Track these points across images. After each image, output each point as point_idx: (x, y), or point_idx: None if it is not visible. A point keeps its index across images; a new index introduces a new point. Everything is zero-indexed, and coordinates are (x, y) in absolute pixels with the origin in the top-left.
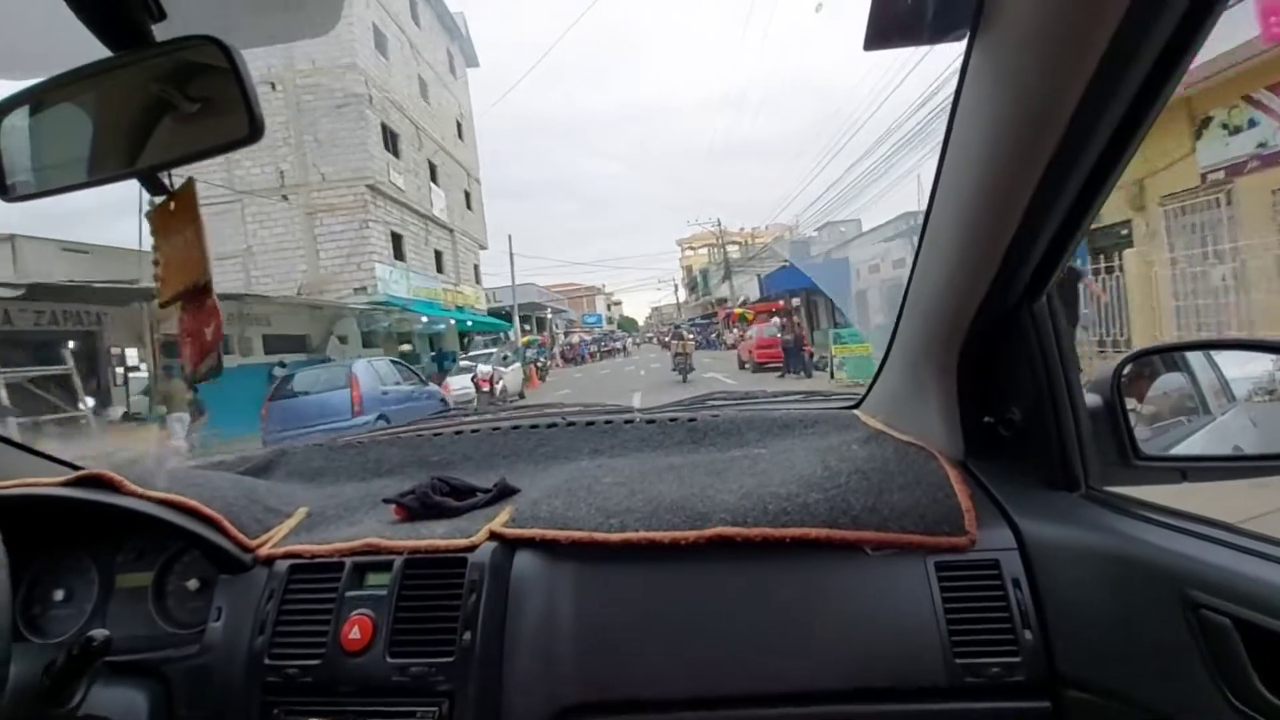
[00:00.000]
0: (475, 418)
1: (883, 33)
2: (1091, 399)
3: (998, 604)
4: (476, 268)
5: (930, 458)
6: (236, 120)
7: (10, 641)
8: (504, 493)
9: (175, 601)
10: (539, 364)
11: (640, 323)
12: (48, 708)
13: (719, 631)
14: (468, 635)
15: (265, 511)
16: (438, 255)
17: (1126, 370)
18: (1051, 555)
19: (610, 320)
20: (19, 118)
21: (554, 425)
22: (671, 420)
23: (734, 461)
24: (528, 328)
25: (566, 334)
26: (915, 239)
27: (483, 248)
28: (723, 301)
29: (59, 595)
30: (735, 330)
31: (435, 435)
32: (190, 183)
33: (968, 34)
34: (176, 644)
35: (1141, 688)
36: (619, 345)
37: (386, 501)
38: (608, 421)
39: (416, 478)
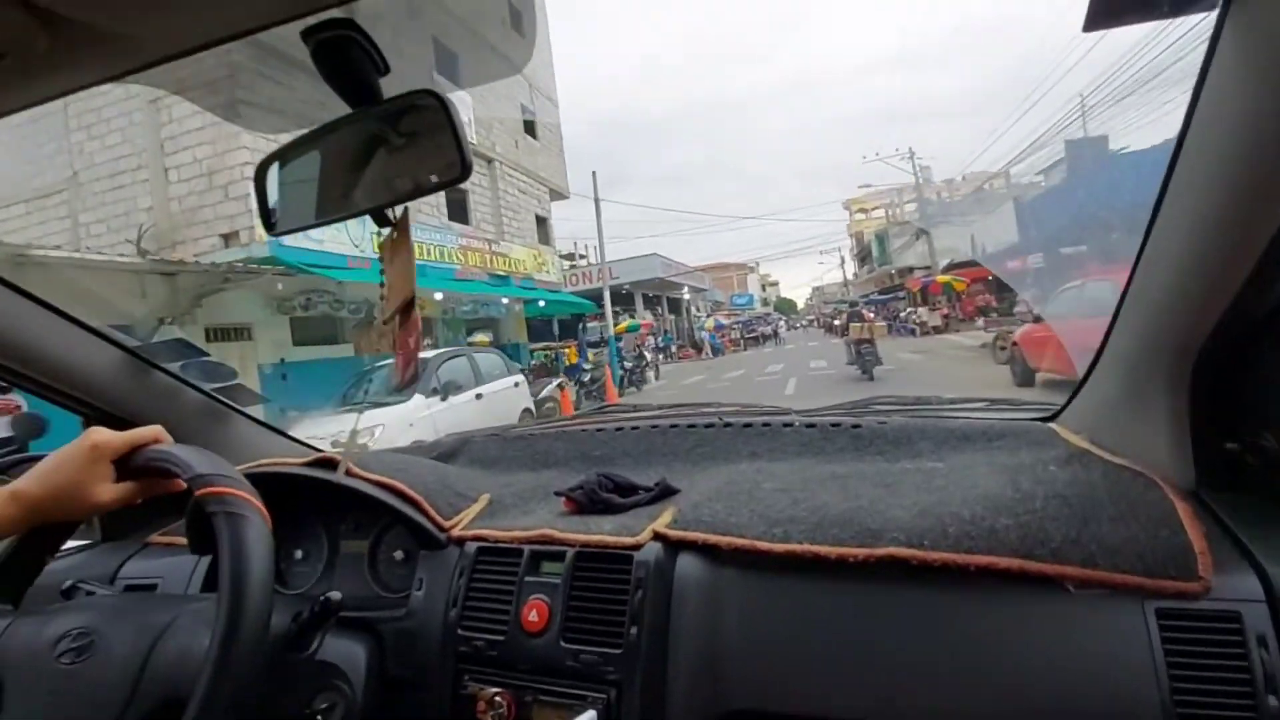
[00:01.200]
0: (635, 415)
1: (1111, 8)
2: None
3: (1235, 663)
4: (544, 223)
5: (1151, 486)
6: (449, 161)
7: (271, 601)
8: (665, 492)
9: (385, 568)
10: (635, 364)
11: (800, 305)
12: (293, 651)
13: (888, 658)
14: (634, 630)
15: (456, 496)
16: (454, 198)
17: None
18: None
19: (765, 302)
20: (277, 169)
21: (711, 425)
22: (834, 425)
23: (905, 474)
24: (658, 310)
25: (710, 316)
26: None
27: (560, 196)
28: (909, 271)
29: (298, 555)
30: (937, 307)
31: (598, 430)
32: (406, 211)
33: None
34: (386, 606)
35: None
36: (768, 330)
37: (557, 494)
38: (766, 424)
39: (580, 471)
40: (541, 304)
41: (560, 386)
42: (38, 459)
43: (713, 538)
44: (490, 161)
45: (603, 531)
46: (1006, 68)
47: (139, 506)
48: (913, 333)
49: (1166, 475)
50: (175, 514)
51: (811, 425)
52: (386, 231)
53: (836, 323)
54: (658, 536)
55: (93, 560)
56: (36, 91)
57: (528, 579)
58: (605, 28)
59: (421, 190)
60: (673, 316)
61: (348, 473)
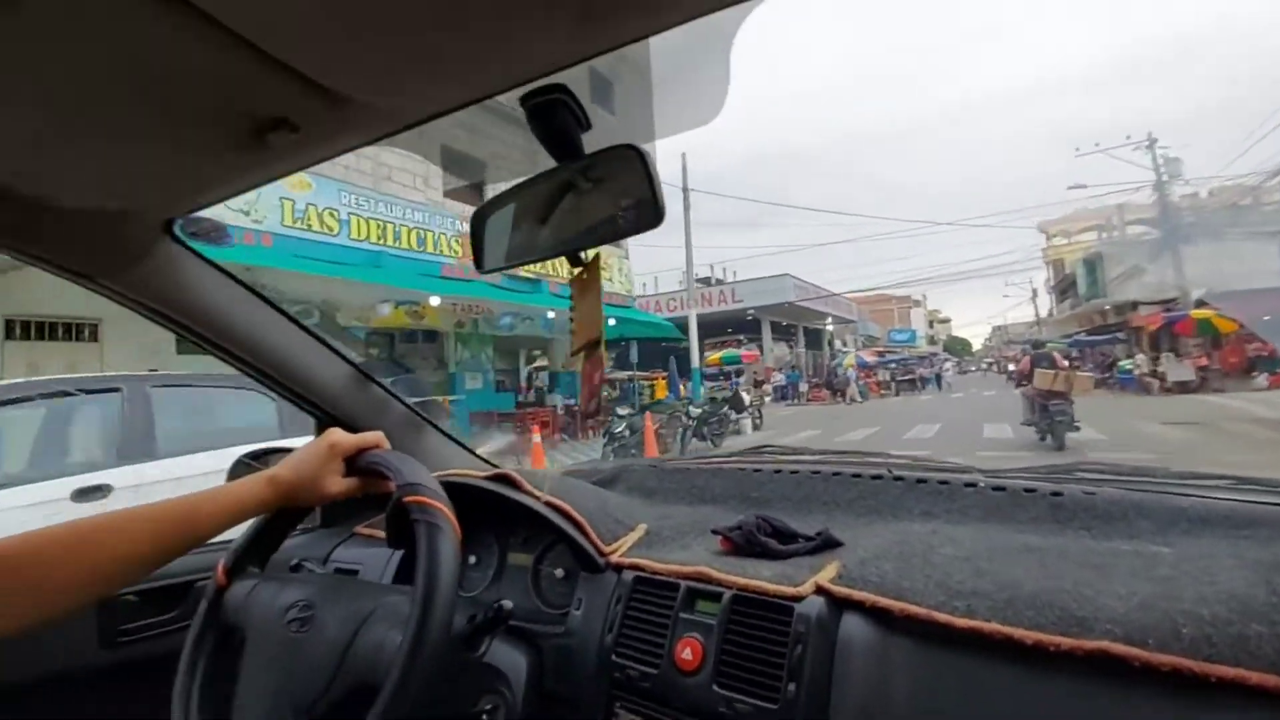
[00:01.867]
0: (796, 458)
1: None
2: None
3: None
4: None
5: None
6: (644, 208)
7: (456, 604)
8: (827, 544)
9: (547, 584)
10: (712, 410)
11: (977, 345)
12: (466, 651)
13: None
14: (792, 687)
15: (615, 523)
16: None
17: None
18: None
19: (933, 340)
20: (488, 217)
21: (879, 477)
22: (1028, 490)
23: (1119, 556)
24: (791, 342)
25: (852, 352)
26: None
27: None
28: (1131, 307)
29: (472, 560)
30: (1185, 354)
31: (756, 471)
32: (598, 254)
33: None
34: (547, 620)
35: None
36: (929, 372)
37: (715, 532)
38: (943, 481)
39: (737, 510)
40: (611, 322)
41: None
42: (286, 451)
43: (884, 601)
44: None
45: (761, 577)
46: (1237, 77)
47: (353, 500)
48: (1145, 389)
49: None
50: (377, 509)
51: (1000, 488)
52: (578, 270)
53: (1013, 367)
54: (821, 590)
55: (312, 543)
56: (315, 155)
57: (683, 615)
58: (765, 55)
59: (617, 235)
60: (812, 351)
61: (521, 489)
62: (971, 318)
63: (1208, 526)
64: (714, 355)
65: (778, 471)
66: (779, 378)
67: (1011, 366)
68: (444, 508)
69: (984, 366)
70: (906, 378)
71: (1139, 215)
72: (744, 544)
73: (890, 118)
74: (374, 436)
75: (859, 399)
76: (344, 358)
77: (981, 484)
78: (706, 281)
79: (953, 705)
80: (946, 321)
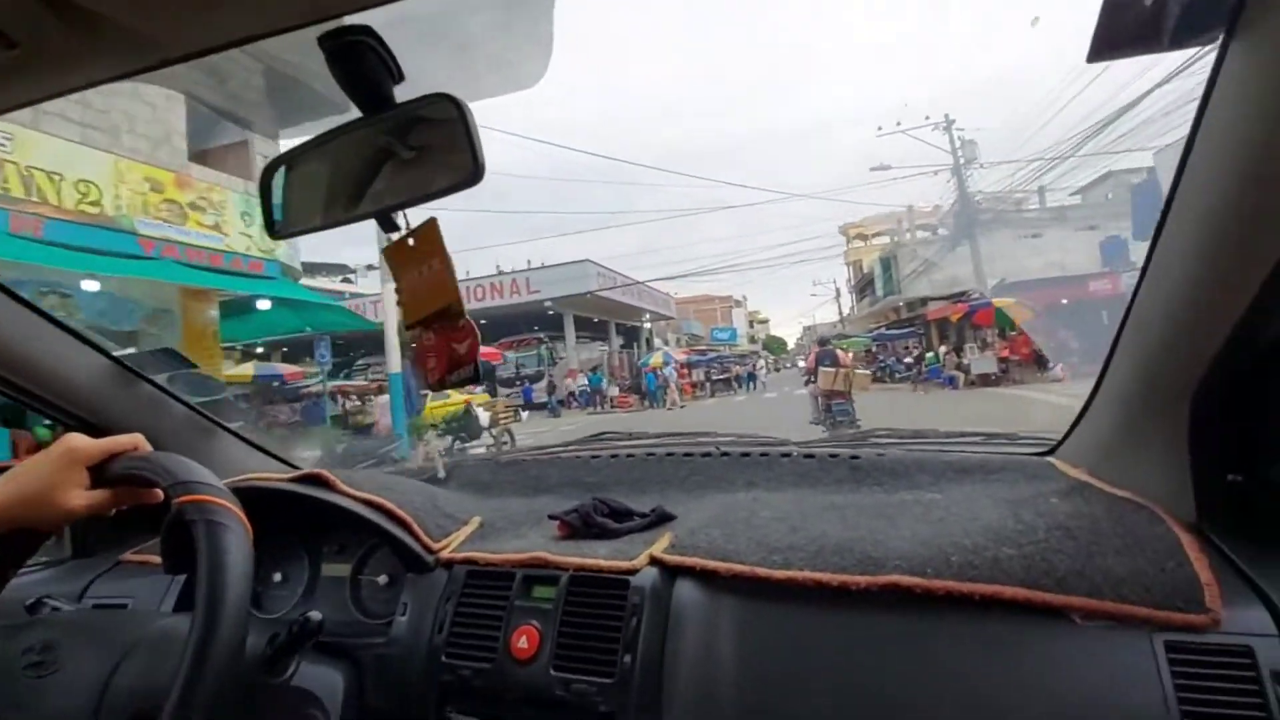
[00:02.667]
0: (630, 443)
1: (1113, 41)
2: None
3: (1250, 700)
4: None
5: (1155, 519)
6: (462, 165)
7: (248, 619)
8: (661, 519)
9: (368, 593)
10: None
11: (791, 344)
12: (267, 675)
13: (890, 691)
14: (628, 658)
15: (445, 518)
16: None
17: None
18: None
19: (753, 339)
20: (286, 171)
21: (708, 455)
22: (832, 456)
23: (904, 506)
24: (602, 339)
25: (660, 350)
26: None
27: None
28: (921, 303)
29: (277, 578)
30: (988, 343)
31: (592, 458)
32: (433, 221)
33: (1221, 35)
34: (368, 633)
35: None
36: (744, 370)
37: (552, 518)
38: (763, 454)
39: (574, 497)
40: (263, 305)
41: None
42: (5, 468)
43: (711, 563)
44: None
45: (598, 556)
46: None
47: (113, 523)
48: (951, 382)
49: (1167, 508)
50: (151, 533)
51: (809, 456)
52: (397, 236)
53: (801, 363)
54: (654, 561)
55: (61, 576)
56: (49, 86)
57: (518, 604)
58: (618, 58)
59: (431, 194)
60: (630, 351)
61: (336, 489)
62: (787, 316)
63: (969, 475)
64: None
65: (614, 457)
66: (581, 380)
67: (800, 363)
68: (229, 505)
69: (794, 365)
70: (722, 377)
71: (923, 221)
72: (581, 526)
73: (714, 136)
74: (127, 439)
75: (679, 403)
76: (99, 349)
77: (795, 454)
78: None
79: (773, 651)
80: (765, 322)
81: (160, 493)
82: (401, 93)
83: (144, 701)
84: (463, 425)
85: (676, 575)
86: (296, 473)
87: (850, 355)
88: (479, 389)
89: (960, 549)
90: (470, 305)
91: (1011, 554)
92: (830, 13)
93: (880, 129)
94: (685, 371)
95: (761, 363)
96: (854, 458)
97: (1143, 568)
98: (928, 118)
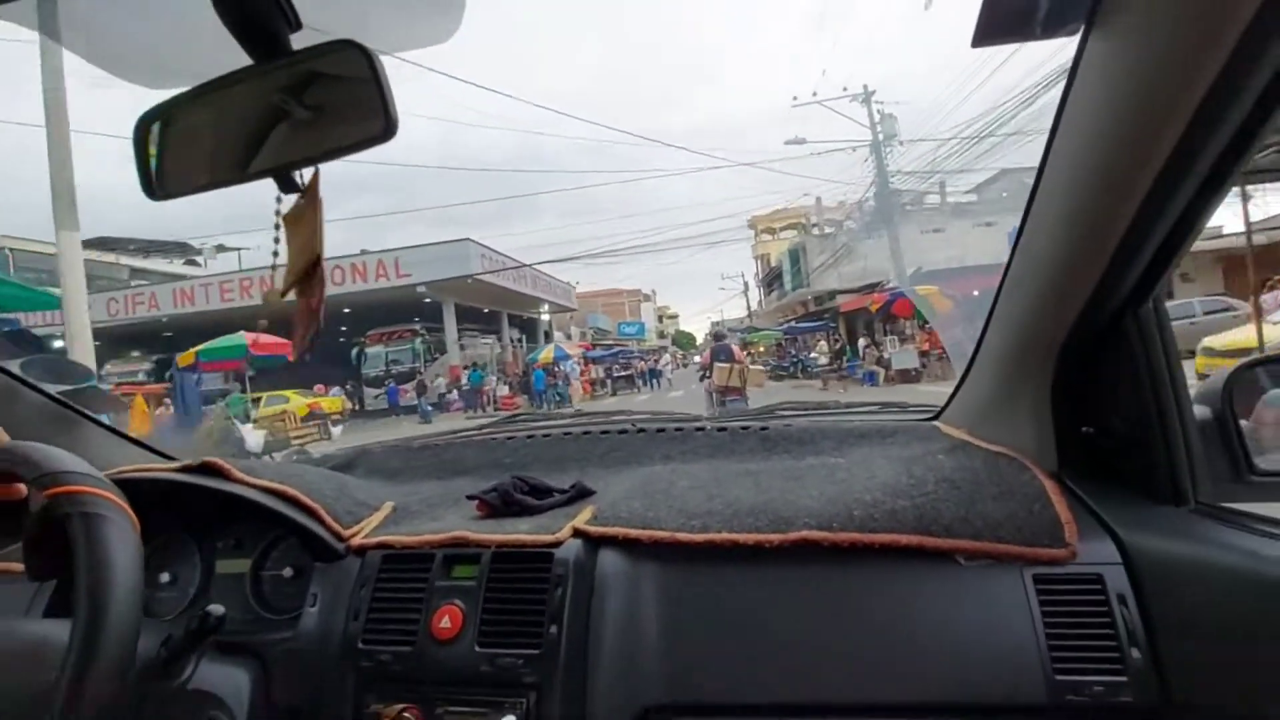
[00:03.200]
0: (546, 423)
1: (993, 28)
2: (1200, 411)
3: (1101, 620)
4: None
5: (1023, 468)
6: (371, 120)
7: (140, 617)
8: (581, 494)
9: (271, 588)
10: None
11: (699, 339)
12: (162, 680)
13: (804, 638)
14: (554, 629)
15: (356, 504)
16: None
17: (1236, 382)
18: (1162, 571)
19: (662, 334)
20: (165, 124)
21: (624, 432)
22: (743, 428)
23: (811, 469)
24: (494, 333)
25: (552, 344)
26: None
27: None
28: (829, 296)
29: (165, 578)
30: (908, 336)
31: (509, 439)
32: (317, 174)
33: (1082, 27)
34: (273, 628)
35: (1267, 713)
36: (647, 366)
37: (470, 498)
38: (678, 429)
39: (491, 478)
40: None
41: None
42: None
43: (633, 532)
44: None
45: (519, 531)
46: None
47: None
48: (871, 379)
49: (1034, 459)
50: (7, 536)
51: (722, 429)
52: (292, 198)
53: (698, 359)
54: (578, 533)
55: None
56: None
57: (439, 584)
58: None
59: (336, 151)
60: (524, 346)
61: (232, 478)
62: (697, 310)
63: (867, 439)
64: (186, 355)
65: (530, 437)
66: (463, 379)
67: (697, 359)
68: (110, 495)
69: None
70: (624, 374)
71: (831, 216)
72: (501, 505)
73: (638, 128)
74: None
75: (573, 405)
76: None
77: (708, 428)
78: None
79: (694, 611)
80: (675, 317)
81: (21, 488)
82: (300, 42)
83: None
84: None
85: (599, 546)
86: (182, 463)
87: (759, 348)
88: (333, 390)
89: (862, 504)
90: (328, 291)
91: (905, 505)
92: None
93: (795, 99)
94: (586, 368)
95: (667, 358)
96: (763, 429)
97: (1015, 511)
98: (845, 89)
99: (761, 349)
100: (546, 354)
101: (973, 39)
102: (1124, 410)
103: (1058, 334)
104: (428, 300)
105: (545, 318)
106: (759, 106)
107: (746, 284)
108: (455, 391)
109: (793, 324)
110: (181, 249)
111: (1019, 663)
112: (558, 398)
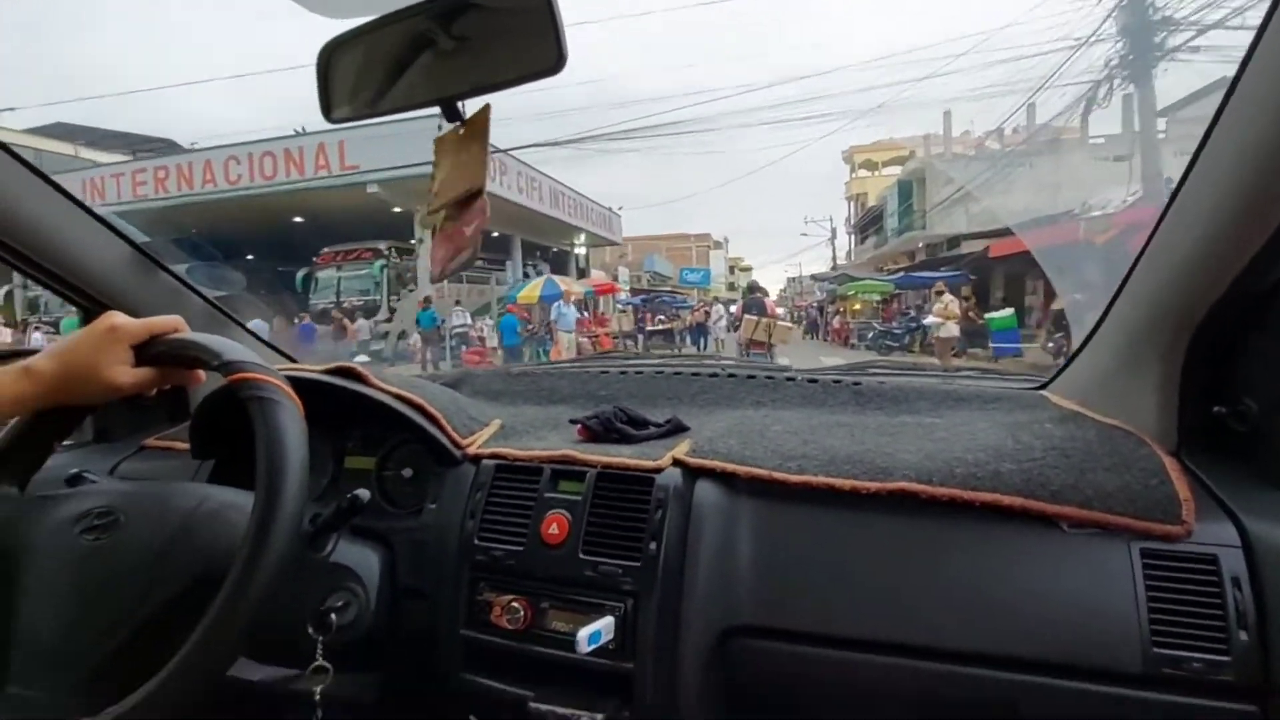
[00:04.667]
0: (638, 361)
1: None
2: None
3: (1211, 600)
4: None
5: (1141, 443)
6: (541, 52)
7: (307, 488)
8: (677, 429)
9: (393, 486)
10: None
11: (773, 295)
12: (309, 552)
13: (895, 582)
14: (653, 545)
15: (469, 419)
16: None
17: None
18: None
19: (732, 286)
20: (343, 53)
21: (715, 375)
22: (835, 382)
23: (906, 426)
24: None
25: (540, 277)
26: None
27: None
28: (954, 242)
29: None
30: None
31: (602, 373)
32: (487, 108)
33: None
34: (399, 519)
35: None
36: (695, 319)
37: (573, 422)
38: (769, 377)
39: (586, 408)
40: None
41: None
42: (31, 352)
43: (731, 466)
44: None
45: (622, 455)
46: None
47: (129, 408)
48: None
49: (1153, 436)
50: (167, 420)
51: (813, 381)
52: (453, 126)
53: (734, 309)
54: (677, 463)
55: (88, 458)
56: None
57: (547, 495)
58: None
59: (504, 83)
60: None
61: (370, 384)
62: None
63: (966, 403)
64: None
65: (623, 372)
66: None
67: (732, 309)
68: (281, 383)
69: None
70: (660, 328)
71: (957, 150)
72: (601, 431)
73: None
74: (169, 320)
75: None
76: (122, 236)
77: (799, 379)
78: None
79: (787, 547)
80: (748, 269)
81: (202, 375)
82: None
83: (203, 568)
84: None
85: (697, 477)
86: (326, 366)
87: (854, 306)
88: (253, 323)
89: (964, 463)
90: (252, 182)
91: (1011, 469)
92: None
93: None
94: (603, 318)
95: (720, 310)
96: (856, 384)
97: (1129, 484)
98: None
99: (858, 306)
100: (530, 291)
101: None
102: (1261, 392)
103: (1200, 306)
104: (397, 210)
105: (580, 250)
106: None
107: (834, 229)
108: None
109: (910, 274)
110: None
111: (1116, 631)
112: (539, 357)
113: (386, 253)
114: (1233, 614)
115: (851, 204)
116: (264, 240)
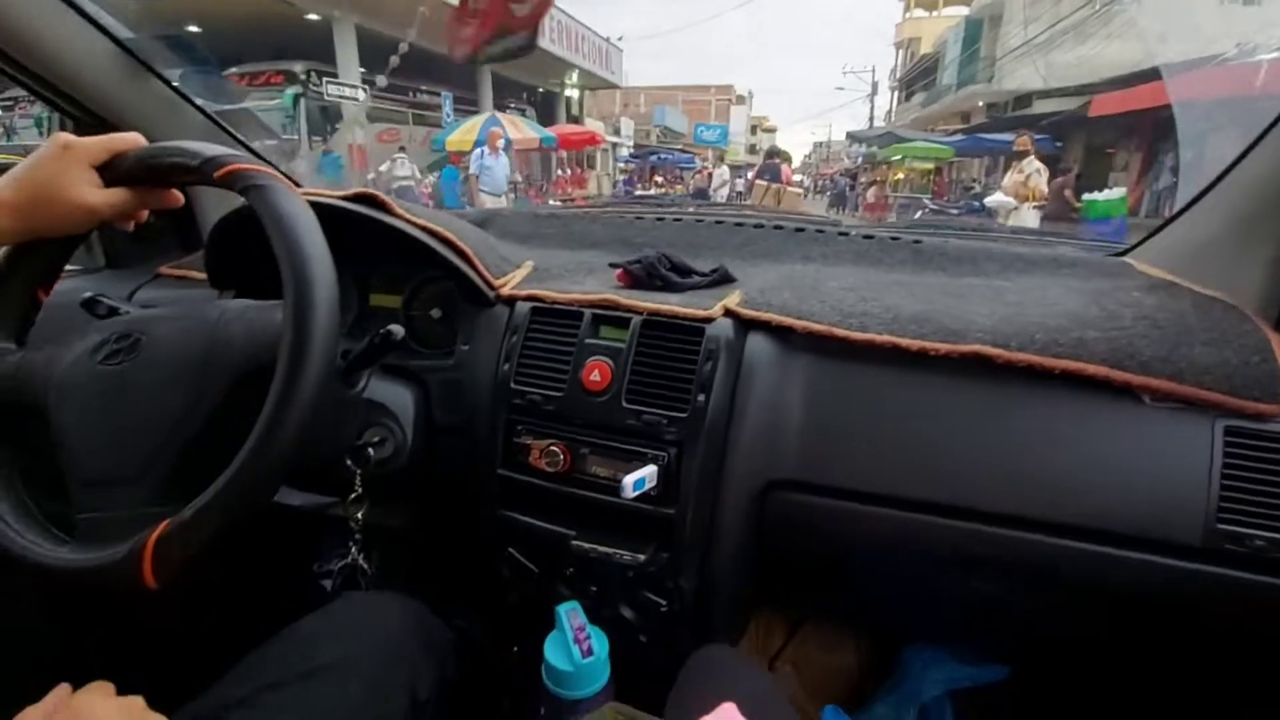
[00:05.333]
0: (676, 208)
1: None
2: None
3: None
4: None
5: (1244, 317)
6: None
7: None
8: (724, 279)
9: (421, 326)
10: None
11: (796, 162)
12: (342, 386)
13: (955, 444)
14: (701, 397)
15: (501, 259)
16: None
17: None
18: None
19: (754, 149)
20: None
21: (760, 226)
22: (893, 239)
23: (973, 288)
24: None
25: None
26: None
27: None
28: (1026, 100)
29: None
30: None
31: (637, 219)
32: None
33: None
34: (430, 358)
35: None
36: (697, 173)
37: (613, 265)
38: (819, 230)
39: (621, 254)
40: None
41: None
42: None
43: (788, 320)
44: None
45: (670, 303)
46: None
47: (137, 239)
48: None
49: (1257, 310)
50: (183, 249)
51: (869, 237)
52: None
53: (751, 175)
54: (729, 314)
55: (101, 283)
56: None
57: (588, 341)
58: None
59: None
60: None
61: (394, 213)
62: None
63: (1037, 267)
64: None
65: (659, 219)
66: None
67: (743, 176)
68: (273, 171)
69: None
70: (650, 193)
71: None
72: (644, 277)
73: None
74: (129, 136)
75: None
76: (110, 35)
77: (853, 233)
78: None
79: (845, 408)
80: (773, 131)
81: (180, 196)
82: None
83: (245, 363)
84: None
85: (749, 329)
86: (345, 191)
87: (897, 175)
88: None
89: (1044, 328)
90: None
91: (1096, 336)
92: None
93: None
94: (581, 178)
95: (724, 173)
96: (916, 242)
97: (1228, 359)
98: None
99: (901, 176)
100: (463, 135)
101: None
102: None
103: None
104: (313, 19)
105: (572, 93)
106: None
107: (875, 83)
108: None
109: (977, 136)
110: None
111: (1178, 505)
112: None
113: (303, 77)
114: None
115: (901, 52)
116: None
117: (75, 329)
